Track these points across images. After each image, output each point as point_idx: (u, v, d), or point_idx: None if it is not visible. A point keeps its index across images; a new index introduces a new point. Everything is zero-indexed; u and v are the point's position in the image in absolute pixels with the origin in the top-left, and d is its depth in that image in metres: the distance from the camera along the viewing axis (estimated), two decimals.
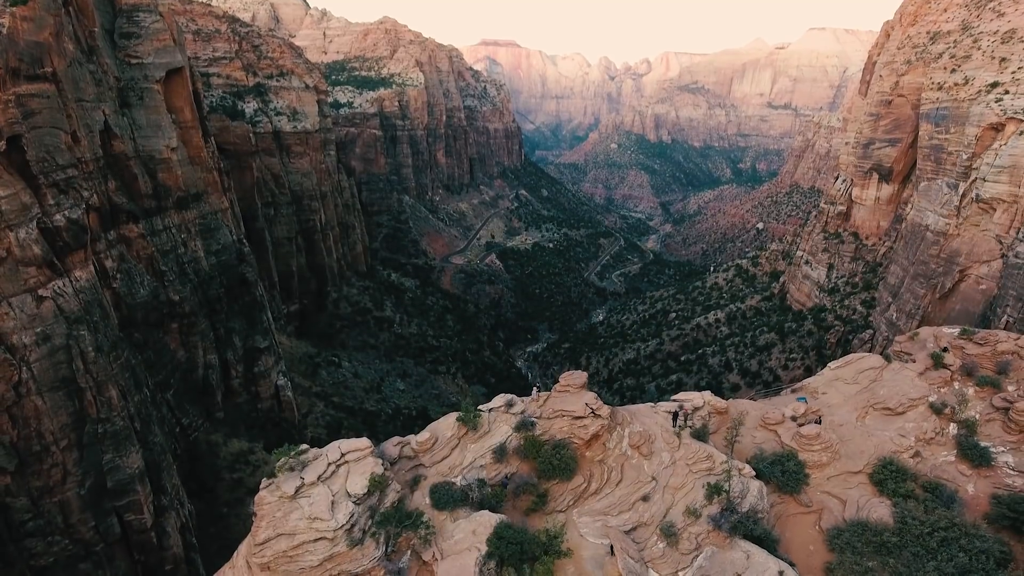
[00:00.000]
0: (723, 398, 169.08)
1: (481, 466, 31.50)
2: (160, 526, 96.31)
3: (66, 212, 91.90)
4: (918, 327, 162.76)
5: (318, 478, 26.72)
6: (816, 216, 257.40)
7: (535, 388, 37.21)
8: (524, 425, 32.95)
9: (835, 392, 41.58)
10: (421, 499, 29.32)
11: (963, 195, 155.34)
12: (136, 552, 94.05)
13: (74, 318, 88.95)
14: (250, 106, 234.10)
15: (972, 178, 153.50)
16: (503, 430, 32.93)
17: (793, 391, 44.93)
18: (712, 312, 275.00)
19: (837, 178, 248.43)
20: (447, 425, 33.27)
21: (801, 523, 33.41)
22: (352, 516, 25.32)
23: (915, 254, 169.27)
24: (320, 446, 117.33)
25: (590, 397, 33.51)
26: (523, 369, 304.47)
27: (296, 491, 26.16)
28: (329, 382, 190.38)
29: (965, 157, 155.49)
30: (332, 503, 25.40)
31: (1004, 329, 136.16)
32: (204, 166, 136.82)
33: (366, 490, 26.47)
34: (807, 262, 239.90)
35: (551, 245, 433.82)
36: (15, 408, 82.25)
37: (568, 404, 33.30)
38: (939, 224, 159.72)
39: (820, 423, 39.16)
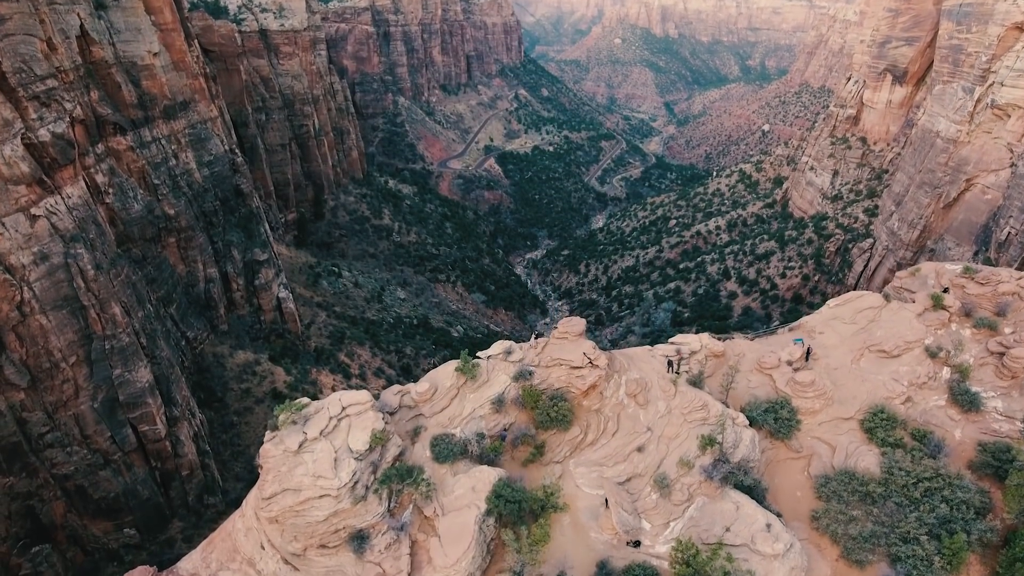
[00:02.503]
0: (720, 305, 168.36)
1: (480, 416, 32.09)
2: (174, 435, 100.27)
3: (50, 126, 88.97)
4: (919, 236, 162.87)
5: (320, 433, 27.24)
6: (824, 119, 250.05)
7: (534, 335, 37.40)
8: (522, 375, 33.28)
9: (832, 332, 41.30)
10: (422, 452, 30.03)
11: (978, 100, 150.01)
12: (153, 460, 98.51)
13: (70, 236, 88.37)
14: (233, 2, 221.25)
15: (989, 82, 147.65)
16: (501, 380, 33.28)
17: (790, 330, 44.87)
18: (713, 219, 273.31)
19: (849, 79, 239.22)
20: (446, 375, 33.63)
21: (791, 468, 34.08)
22: (355, 474, 26.01)
23: (922, 161, 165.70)
24: (324, 356, 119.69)
25: (588, 346, 33.46)
26: (523, 276, 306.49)
27: (299, 446, 26.72)
28: (330, 292, 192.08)
29: (984, 59, 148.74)
30: (335, 460, 26.07)
31: (1005, 240, 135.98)
32: (189, 71, 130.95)
33: (368, 446, 27.03)
34: (812, 168, 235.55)
35: (551, 148, 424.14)
36: (21, 327, 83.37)
37: (566, 352, 33.48)
38: (950, 131, 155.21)
39: (808, 356, 39.52)
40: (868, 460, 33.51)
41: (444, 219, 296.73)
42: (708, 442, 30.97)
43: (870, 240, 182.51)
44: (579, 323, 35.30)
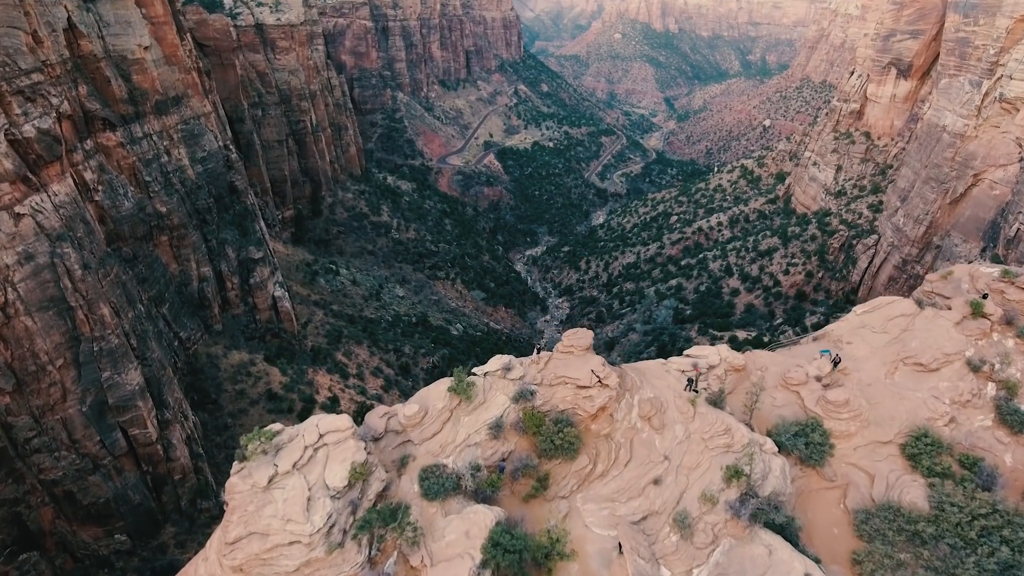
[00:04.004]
0: (723, 303, 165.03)
1: (476, 443, 28.75)
2: (165, 439, 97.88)
3: (35, 122, 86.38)
4: (925, 233, 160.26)
5: (293, 465, 24.23)
6: (827, 114, 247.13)
7: (536, 348, 34.14)
8: (523, 395, 30.07)
9: (861, 342, 37.75)
10: (409, 486, 26.65)
11: (986, 94, 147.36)
12: (144, 464, 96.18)
13: (56, 235, 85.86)
14: None
15: (997, 75, 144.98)
16: (500, 401, 29.92)
17: (815, 339, 41.48)
18: (715, 215, 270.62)
19: (852, 73, 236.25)
20: (437, 395, 30.22)
21: (824, 500, 30.63)
22: (330, 517, 22.94)
23: (928, 156, 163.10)
24: (321, 356, 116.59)
25: (596, 363, 30.31)
26: (523, 273, 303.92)
27: (269, 481, 23.76)
28: (327, 290, 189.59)
29: (992, 52, 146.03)
30: (308, 499, 23.09)
31: (1014, 236, 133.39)
32: (182, 66, 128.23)
33: (346, 482, 23.86)
34: (815, 163, 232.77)
35: (551, 144, 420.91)
36: (5, 329, 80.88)
37: (572, 369, 30.41)
38: (957, 125, 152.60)
39: (838, 363, 36.10)
40: (914, 493, 29.99)
41: (443, 216, 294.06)
42: (734, 473, 27.87)
43: (875, 236, 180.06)
44: (586, 335, 32.23)
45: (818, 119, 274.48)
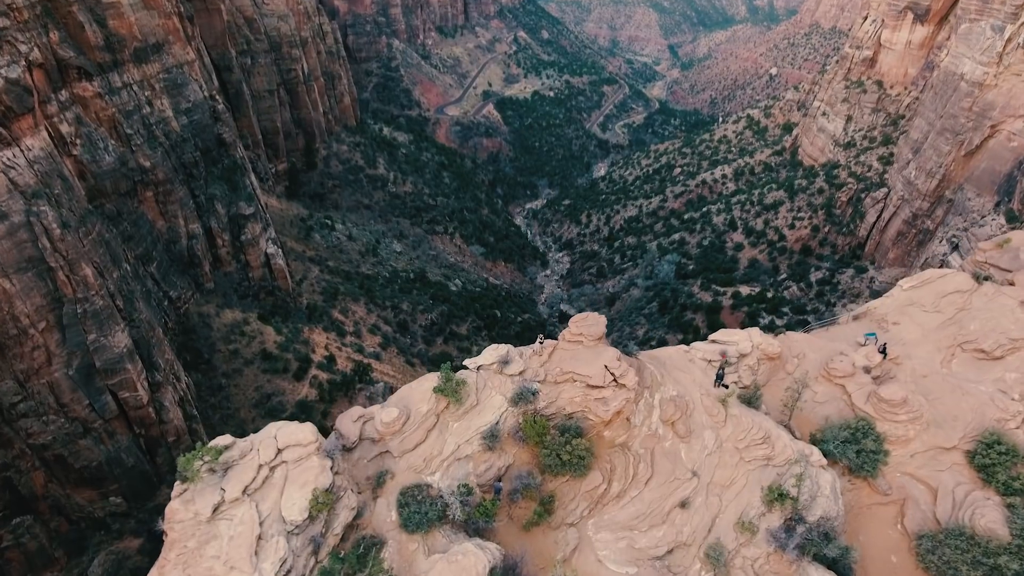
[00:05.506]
0: (726, 257, 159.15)
1: (467, 456, 24.10)
2: (157, 401, 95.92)
3: (2, 71, 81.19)
4: (938, 186, 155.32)
5: (243, 491, 19.80)
6: (838, 62, 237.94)
7: (539, 339, 28.93)
8: (523, 396, 25.25)
9: (910, 322, 32.43)
10: (386, 512, 22.00)
11: (1008, 39, 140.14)
12: (136, 427, 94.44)
13: (31, 192, 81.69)
14: None
15: (1021, 20, 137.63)
16: (495, 403, 25.12)
17: (855, 318, 36.09)
18: (719, 167, 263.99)
19: (865, 18, 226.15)
20: (421, 396, 25.25)
21: (878, 519, 25.98)
22: (284, 563, 18.48)
23: (944, 106, 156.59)
24: (317, 313, 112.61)
25: (610, 356, 25.09)
26: (522, 227, 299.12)
27: (214, 510, 19.35)
28: (323, 246, 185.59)
29: None
30: (259, 537, 18.76)
31: None
32: (161, 10, 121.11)
33: (307, 514, 19.56)
34: (824, 113, 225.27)
35: (552, 94, 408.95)
36: None
37: (581, 364, 25.55)
38: (976, 73, 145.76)
39: (885, 354, 31.15)
40: (989, 515, 24.91)
41: (441, 168, 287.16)
42: (777, 496, 23.47)
43: (884, 190, 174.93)
44: (597, 322, 27.12)
45: (828, 67, 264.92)
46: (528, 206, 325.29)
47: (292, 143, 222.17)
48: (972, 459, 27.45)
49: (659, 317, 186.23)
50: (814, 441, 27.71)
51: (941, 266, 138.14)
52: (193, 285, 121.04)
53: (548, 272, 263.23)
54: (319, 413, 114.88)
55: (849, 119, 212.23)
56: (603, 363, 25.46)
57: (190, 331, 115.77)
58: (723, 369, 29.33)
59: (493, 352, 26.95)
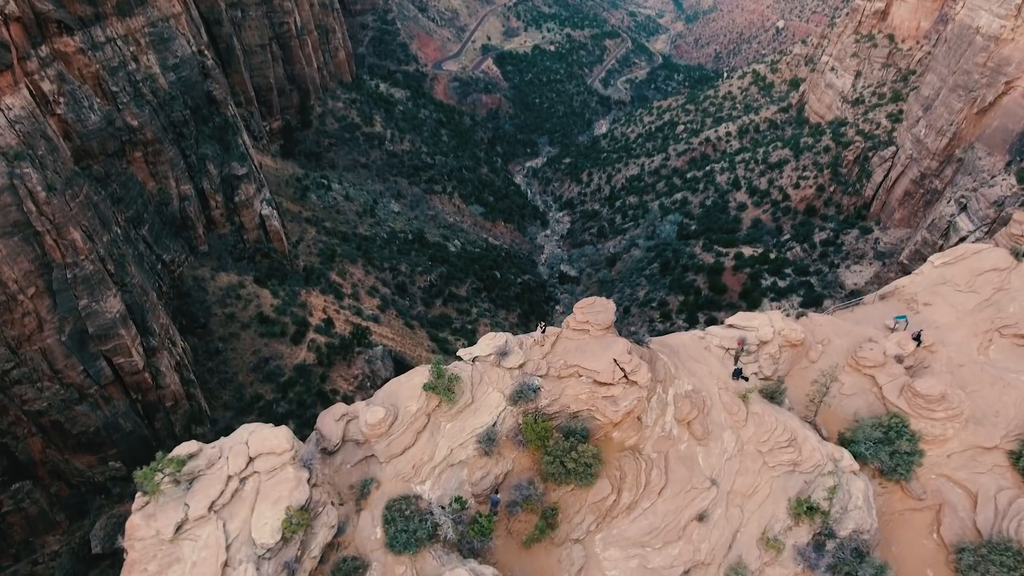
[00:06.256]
0: (729, 217, 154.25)
1: (461, 462, 21.60)
2: (153, 366, 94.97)
3: None
4: (948, 144, 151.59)
5: (210, 507, 17.56)
6: (848, 15, 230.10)
7: (540, 326, 26.28)
8: (523, 392, 22.61)
9: (943, 303, 29.40)
10: (370, 528, 19.55)
11: None
12: (133, 392, 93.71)
13: (14, 154, 78.90)
14: None
15: None
16: (493, 400, 22.44)
17: (881, 298, 33.05)
18: (723, 124, 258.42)
19: None
20: (410, 394, 22.51)
21: (912, 527, 23.53)
22: None
23: (957, 61, 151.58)
24: (314, 276, 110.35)
25: (620, 349, 22.14)
26: (522, 186, 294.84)
27: (177, 529, 17.21)
28: (319, 206, 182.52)
29: None
30: (225, 563, 16.56)
31: None
32: None
33: (280, 536, 17.20)
34: (832, 68, 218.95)
35: (552, 48, 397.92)
36: None
37: (587, 357, 22.72)
38: (993, 26, 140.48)
39: (920, 341, 28.42)
40: None
41: (439, 126, 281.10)
42: (806, 509, 21.05)
43: (892, 148, 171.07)
44: (606, 308, 24.13)
45: (837, 20, 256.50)
46: (528, 164, 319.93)
47: (286, 100, 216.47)
48: (1016, 461, 25.06)
49: (660, 278, 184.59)
50: (843, 441, 25.31)
51: (948, 227, 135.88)
52: (187, 248, 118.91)
53: (548, 232, 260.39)
54: (318, 377, 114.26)
55: (858, 75, 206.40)
56: (612, 356, 22.84)
57: (185, 295, 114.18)
58: (738, 355, 26.81)
59: (490, 341, 24.42)
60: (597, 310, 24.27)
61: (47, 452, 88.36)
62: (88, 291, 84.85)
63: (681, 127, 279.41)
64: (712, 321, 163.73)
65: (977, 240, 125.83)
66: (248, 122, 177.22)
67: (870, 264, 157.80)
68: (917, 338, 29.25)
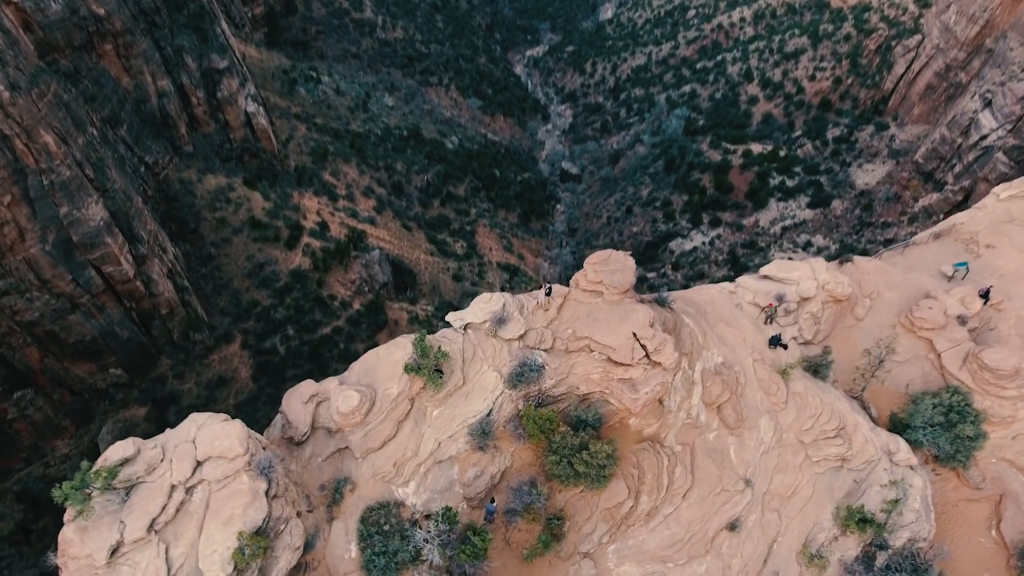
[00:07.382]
0: (739, 112, 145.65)
1: (451, 457, 17.92)
2: (144, 274, 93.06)
3: None
4: (978, 34, 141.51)
5: (150, 526, 14.76)
6: None
7: (544, 285, 21.72)
8: (524, 373, 18.59)
9: (1008, 246, 24.41)
10: (343, 543, 16.31)
11: None
12: (126, 300, 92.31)
13: None
14: None
15: None
16: (488, 382, 18.43)
17: (936, 237, 27.65)
18: (737, 8, 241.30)
19: None
20: (390, 372, 18.42)
21: (967, 520, 20.28)
22: None
23: None
24: (306, 176, 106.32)
25: (641, 319, 17.78)
26: (522, 77, 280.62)
27: (112, 551, 14.42)
28: (309, 101, 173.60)
29: None
30: None
31: None
32: None
33: (232, 567, 14.19)
34: None
35: None
36: None
37: (600, 328, 18.35)
38: None
39: (987, 299, 23.94)
40: None
41: (434, 10, 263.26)
42: (858, 520, 17.46)
43: (918, 37, 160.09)
44: (624, 267, 19.31)
45: None
46: (528, 53, 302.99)
47: None
48: None
49: (664, 176, 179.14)
50: (896, 424, 21.35)
51: (970, 125, 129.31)
52: (170, 149, 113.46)
53: (549, 127, 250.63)
54: (314, 283, 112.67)
55: None
56: (631, 329, 18.42)
57: (172, 199, 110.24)
58: (774, 315, 22.60)
59: (484, 305, 20.05)
60: (613, 268, 19.62)
61: (45, 361, 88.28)
62: (68, 198, 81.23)
63: (692, 12, 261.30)
64: (716, 222, 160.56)
65: (1000, 139, 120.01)
66: (227, 8, 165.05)
67: (883, 163, 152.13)
68: (985, 295, 24.94)
